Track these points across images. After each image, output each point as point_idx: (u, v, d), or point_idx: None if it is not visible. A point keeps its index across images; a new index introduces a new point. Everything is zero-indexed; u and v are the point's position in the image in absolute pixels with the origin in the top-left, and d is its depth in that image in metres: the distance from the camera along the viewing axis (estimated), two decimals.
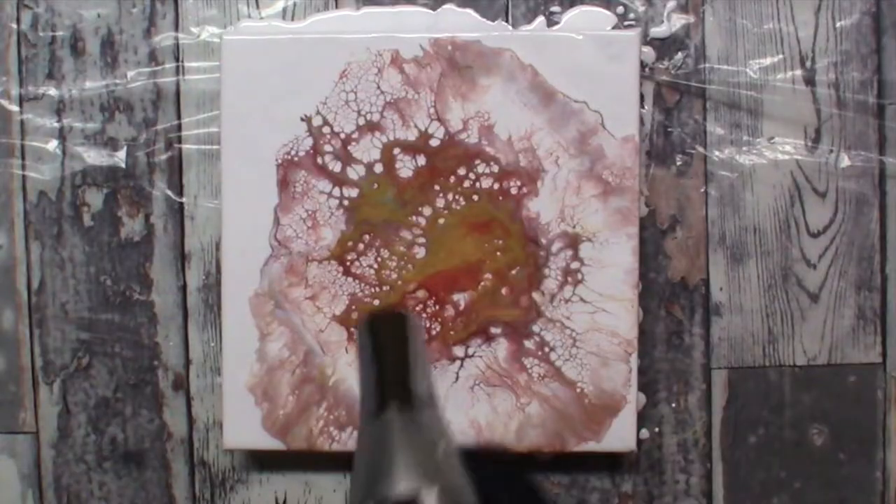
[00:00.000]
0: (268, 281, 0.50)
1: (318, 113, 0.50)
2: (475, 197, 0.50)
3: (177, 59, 0.53)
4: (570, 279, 0.50)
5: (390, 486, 0.25)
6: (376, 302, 0.50)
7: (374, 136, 0.50)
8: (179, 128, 0.53)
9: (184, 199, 0.53)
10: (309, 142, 0.50)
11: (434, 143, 0.50)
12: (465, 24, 0.52)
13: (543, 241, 0.50)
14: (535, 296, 0.50)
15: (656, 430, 0.53)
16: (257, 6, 0.53)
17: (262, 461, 0.54)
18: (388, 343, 0.27)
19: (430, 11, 0.52)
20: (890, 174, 0.53)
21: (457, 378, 0.50)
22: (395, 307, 0.26)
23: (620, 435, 0.49)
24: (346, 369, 0.50)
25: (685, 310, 0.53)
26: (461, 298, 0.50)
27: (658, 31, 0.52)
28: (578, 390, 0.49)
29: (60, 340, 0.54)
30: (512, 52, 0.49)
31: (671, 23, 0.52)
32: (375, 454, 0.26)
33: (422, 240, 0.50)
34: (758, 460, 0.53)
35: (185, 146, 0.53)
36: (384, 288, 0.50)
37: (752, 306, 0.53)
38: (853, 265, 0.53)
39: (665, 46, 0.52)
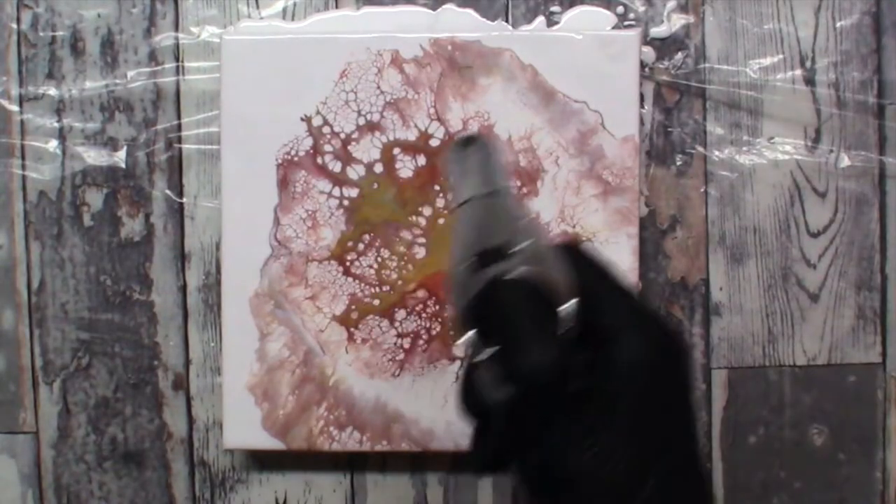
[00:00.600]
0: (268, 281, 0.50)
1: (318, 113, 0.50)
2: None
3: (177, 59, 0.53)
4: None
5: (487, 242, 0.29)
6: (376, 302, 0.50)
7: (374, 136, 0.50)
8: (179, 128, 0.53)
9: (184, 199, 0.53)
10: (309, 142, 0.50)
11: (434, 143, 0.50)
12: (465, 24, 0.52)
13: None
14: None
15: None
16: (257, 6, 0.53)
17: (262, 461, 0.54)
18: (472, 151, 0.33)
19: (430, 11, 0.52)
20: (890, 174, 0.53)
21: (457, 378, 0.50)
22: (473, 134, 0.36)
23: None
24: (346, 369, 0.50)
25: (685, 310, 0.53)
26: None
27: (658, 31, 0.52)
28: None
29: (60, 340, 0.54)
30: (512, 52, 0.49)
31: (671, 23, 0.52)
32: (468, 228, 0.31)
33: (422, 240, 0.50)
34: (758, 460, 0.53)
35: (185, 146, 0.53)
36: (384, 288, 0.50)
37: (752, 306, 0.53)
38: (853, 265, 0.53)
39: (665, 46, 0.52)
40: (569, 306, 0.28)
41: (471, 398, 0.30)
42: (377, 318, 0.50)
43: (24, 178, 0.53)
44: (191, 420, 0.54)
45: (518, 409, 0.28)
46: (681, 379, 0.29)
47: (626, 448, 0.27)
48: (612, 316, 0.29)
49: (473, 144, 0.33)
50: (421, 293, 0.50)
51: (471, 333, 0.29)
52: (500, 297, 0.29)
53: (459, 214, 0.32)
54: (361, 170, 0.50)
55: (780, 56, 0.52)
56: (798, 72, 0.52)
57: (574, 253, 0.31)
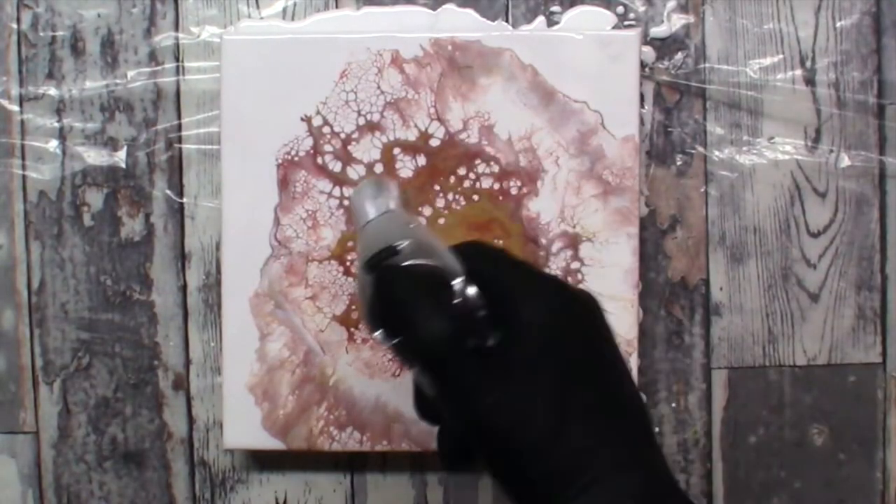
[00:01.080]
0: (268, 281, 0.50)
1: (318, 113, 0.50)
2: (475, 197, 0.50)
3: (177, 59, 0.53)
4: (570, 279, 0.50)
5: (372, 250, 0.32)
6: None
7: (374, 136, 0.50)
8: (179, 128, 0.53)
9: (184, 200, 0.53)
10: (309, 142, 0.50)
11: (434, 143, 0.50)
12: (465, 24, 0.52)
13: (543, 241, 0.50)
14: None
15: (656, 429, 0.53)
16: (257, 6, 0.53)
17: (262, 461, 0.54)
18: (366, 187, 0.36)
19: (430, 11, 0.52)
20: (890, 174, 0.53)
21: None
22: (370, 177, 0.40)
23: None
24: (346, 369, 0.50)
25: (685, 310, 0.53)
26: None
27: (658, 31, 0.52)
28: None
29: (60, 340, 0.54)
30: (512, 52, 0.49)
31: (671, 23, 0.52)
32: (364, 245, 0.34)
33: None
34: (758, 460, 0.53)
35: (185, 146, 0.53)
36: None
37: (752, 306, 0.53)
38: (853, 265, 0.53)
39: (665, 46, 0.52)
40: (460, 281, 0.30)
41: (421, 402, 0.32)
42: None
43: (24, 178, 0.53)
44: (191, 420, 0.54)
45: (441, 384, 0.30)
46: (588, 330, 0.31)
47: (535, 396, 0.29)
48: (508, 287, 0.31)
49: (367, 182, 0.38)
50: None
51: (379, 332, 0.31)
52: (389, 287, 0.31)
53: (359, 239, 0.35)
54: (362, 170, 0.50)
55: (780, 56, 0.52)
56: (798, 72, 0.52)
57: (471, 246, 0.33)
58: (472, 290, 0.30)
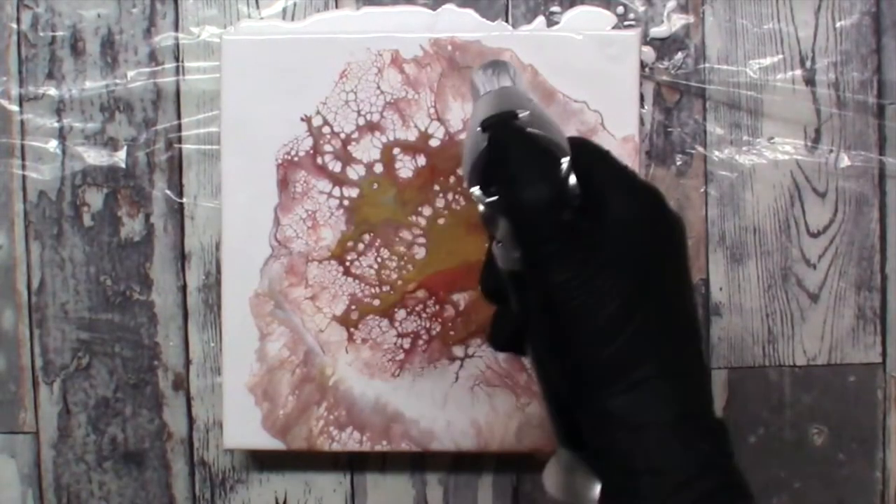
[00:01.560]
0: (268, 281, 0.50)
1: (318, 113, 0.50)
2: None
3: (177, 59, 0.53)
4: None
5: (492, 112, 0.33)
6: (376, 302, 0.50)
7: (374, 136, 0.50)
8: (179, 128, 0.53)
9: (184, 200, 0.53)
10: (309, 142, 0.50)
11: (434, 143, 0.50)
12: (465, 24, 0.52)
13: None
14: None
15: None
16: (257, 6, 0.53)
17: (262, 461, 0.54)
18: (490, 67, 0.38)
19: (430, 11, 0.52)
20: (890, 174, 0.53)
21: (457, 378, 0.50)
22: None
23: None
24: (346, 369, 0.50)
25: None
26: (461, 298, 0.50)
27: (658, 31, 0.52)
28: None
29: (60, 340, 0.54)
30: (512, 52, 0.49)
31: (671, 23, 0.52)
32: (481, 109, 0.35)
33: (422, 240, 0.50)
34: (758, 460, 0.53)
35: (185, 146, 0.53)
36: (384, 288, 0.50)
37: (752, 306, 0.53)
38: (853, 265, 0.53)
39: (665, 46, 0.52)
40: (568, 161, 0.31)
41: (490, 279, 0.33)
42: (377, 318, 0.50)
43: (24, 178, 0.53)
44: (191, 420, 0.54)
45: (525, 250, 0.31)
46: (669, 244, 0.32)
47: (611, 284, 0.29)
48: (607, 182, 0.32)
49: (490, 60, 0.39)
50: (421, 293, 0.50)
51: (477, 188, 0.32)
52: (506, 144, 0.32)
53: (475, 107, 0.36)
54: (361, 170, 0.50)
55: (780, 56, 0.52)
56: (798, 72, 0.52)
57: (580, 140, 0.34)
58: (573, 179, 0.31)
